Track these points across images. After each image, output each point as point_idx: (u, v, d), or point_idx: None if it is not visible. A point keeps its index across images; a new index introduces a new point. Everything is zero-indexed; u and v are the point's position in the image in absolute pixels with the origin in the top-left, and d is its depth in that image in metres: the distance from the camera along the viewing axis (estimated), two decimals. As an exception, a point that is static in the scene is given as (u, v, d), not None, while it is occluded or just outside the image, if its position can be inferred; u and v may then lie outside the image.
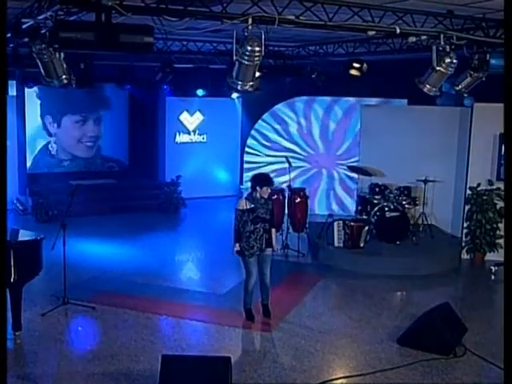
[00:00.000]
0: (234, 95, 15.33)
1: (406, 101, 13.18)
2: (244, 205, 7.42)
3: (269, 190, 7.44)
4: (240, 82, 5.88)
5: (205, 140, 15.75)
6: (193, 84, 14.20)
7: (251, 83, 5.91)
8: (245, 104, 15.73)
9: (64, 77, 6.21)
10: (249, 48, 5.52)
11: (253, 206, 7.39)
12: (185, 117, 15.47)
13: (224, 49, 10.82)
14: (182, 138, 15.52)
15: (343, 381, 6.34)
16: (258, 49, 5.53)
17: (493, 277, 9.91)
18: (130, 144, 15.55)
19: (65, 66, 6.13)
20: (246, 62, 5.62)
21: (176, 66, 12.69)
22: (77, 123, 14.95)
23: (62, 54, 5.91)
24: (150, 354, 6.69)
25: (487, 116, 10.34)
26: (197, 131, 15.66)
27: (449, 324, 7.16)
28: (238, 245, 7.47)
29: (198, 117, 15.60)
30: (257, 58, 5.58)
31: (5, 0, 4.37)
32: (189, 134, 15.60)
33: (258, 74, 11.29)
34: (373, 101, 13.18)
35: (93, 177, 14.95)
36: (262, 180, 7.47)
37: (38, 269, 7.21)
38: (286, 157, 11.42)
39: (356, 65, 10.91)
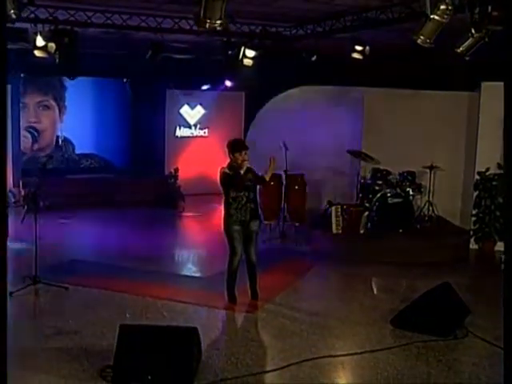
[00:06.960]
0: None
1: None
2: (226, 170, 6.99)
3: (243, 156, 6.91)
4: (208, 20, 5.34)
5: (206, 134, 15.24)
6: (194, 77, 13.74)
7: (220, 21, 5.35)
8: (247, 97, 15.19)
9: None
10: (215, -22, 5.01)
11: (232, 172, 6.88)
12: (185, 110, 14.97)
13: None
14: (182, 131, 15.02)
15: (325, 360, 5.67)
16: (225, -22, 5.02)
17: (503, 266, 9.16)
18: (129, 138, 15.04)
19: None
20: (213, -5, 5.11)
21: (177, 57, 12.26)
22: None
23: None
24: (117, 331, 6.11)
25: (496, 95, 9.57)
26: (198, 125, 15.15)
27: (449, 304, 6.49)
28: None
29: (199, 110, 15.08)
30: (224, -11, 5.06)
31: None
32: (189, 127, 15.09)
33: (253, 54, 11.01)
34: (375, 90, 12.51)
35: (91, 171, 14.57)
36: (232, 146, 7.08)
37: None
38: (283, 142, 10.81)
39: (358, 47, 10.38)
